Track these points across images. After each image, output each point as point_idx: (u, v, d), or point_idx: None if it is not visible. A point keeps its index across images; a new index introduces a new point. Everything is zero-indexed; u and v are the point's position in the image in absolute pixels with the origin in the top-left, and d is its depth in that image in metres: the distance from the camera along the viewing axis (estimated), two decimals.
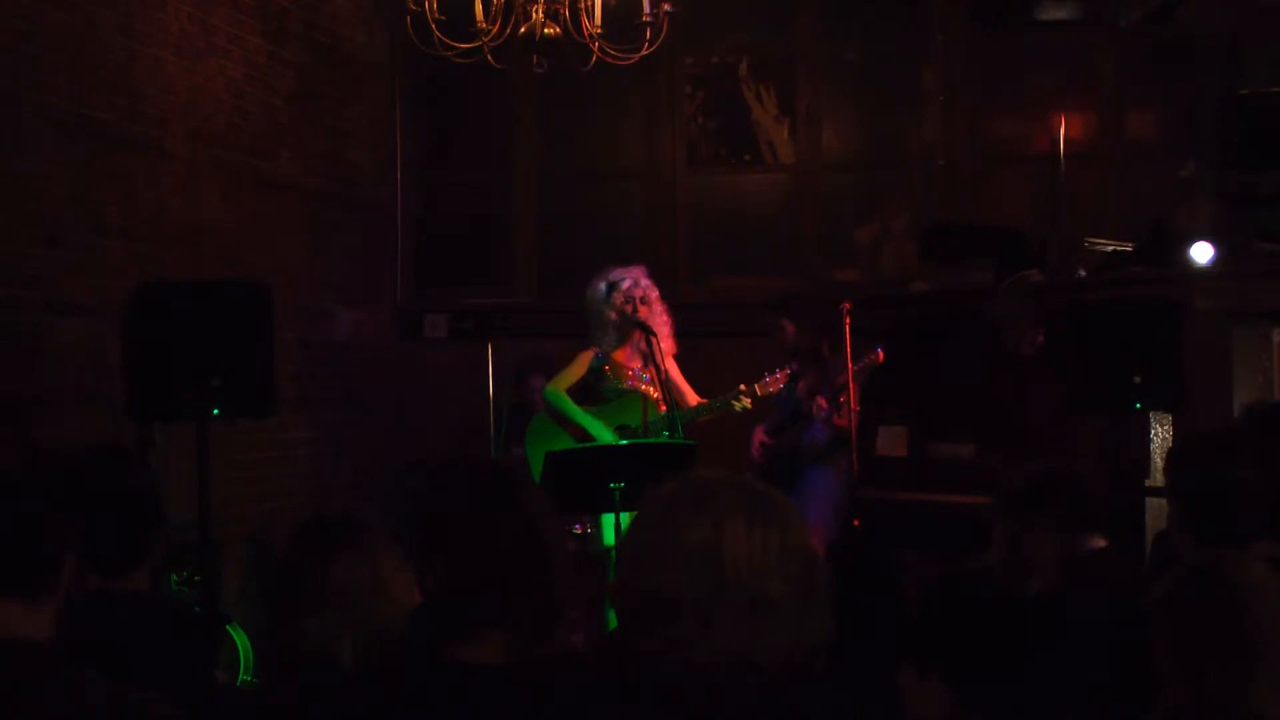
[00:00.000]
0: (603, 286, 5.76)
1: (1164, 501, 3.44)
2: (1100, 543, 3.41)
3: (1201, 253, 5.86)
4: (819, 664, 1.73)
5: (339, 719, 2.16)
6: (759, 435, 6.15)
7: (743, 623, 1.67)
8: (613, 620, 4.10)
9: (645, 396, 5.66)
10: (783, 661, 1.69)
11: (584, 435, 5.64)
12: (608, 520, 5.25)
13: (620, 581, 1.77)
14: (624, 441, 5.48)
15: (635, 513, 1.85)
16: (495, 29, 4.92)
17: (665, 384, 5.45)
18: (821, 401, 5.77)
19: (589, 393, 5.77)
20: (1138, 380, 5.01)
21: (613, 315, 5.71)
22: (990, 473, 4.70)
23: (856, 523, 5.61)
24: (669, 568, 1.70)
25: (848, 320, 5.64)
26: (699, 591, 1.68)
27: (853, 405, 5.70)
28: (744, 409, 5.68)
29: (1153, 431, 5.79)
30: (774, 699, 1.68)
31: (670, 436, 5.38)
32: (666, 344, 5.62)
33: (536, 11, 4.87)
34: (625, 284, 5.70)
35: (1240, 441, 3.09)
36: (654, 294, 5.73)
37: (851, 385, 5.64)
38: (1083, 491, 3.44)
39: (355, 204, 7.47)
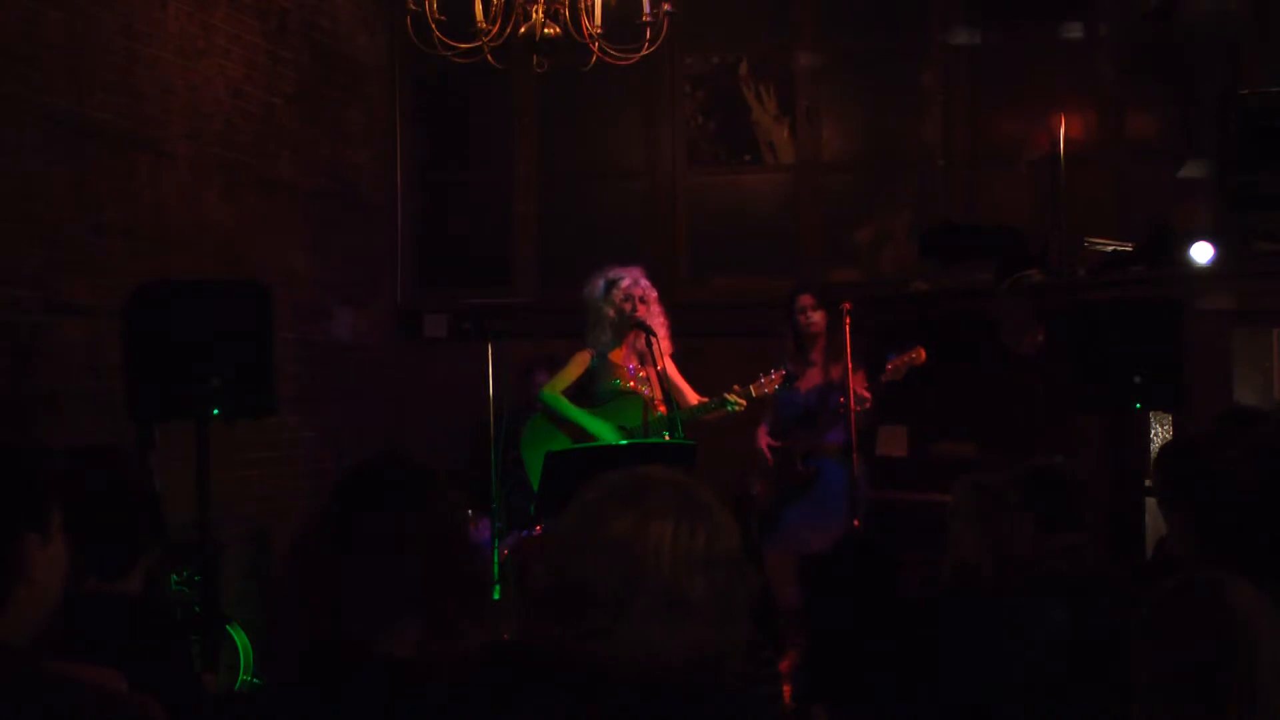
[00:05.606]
0: (601, 284, 5.74)
1: None
2: (1077, 539, 3.39)
3: (1201, 253, 5.85)
4: (729, 669, 1.74)
5: (264, 713, 2.25)
6: (764, 437, 6.15)
7: (655, 619, 1.69)
8: None
9: (643, 396, 5.65)
10: (691, 662, 1.70)
11: (581, 435, 5.63)
12: None
13: (544, 567, 1.79)
14: (624, 441, 5.47)
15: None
16: (495, 29, 4.92)
17: (664, 384, 5.44)
18: (864, 392, 5.77)
19: (585, 394, 5.75)
20: (1138, 380, 5.01)
21: (611, 313, 5.68)
22: None
23: (856, 523, 5.62)
24: (589, 557, 1.72)
25: (848, 320, 5.65)
26: (614, 583, 1.70)
27: (863, 403, 5.74)
28: (737, 409, 5.67)
29: (1153, 431, 5.78)
30: (677, 698, 1.69)
31: (670, 436, 5.37)
32: (665, 344, 5.61)
33: (536, 11, 4.87)
34: (625, 282, 5.68)
35: (1234, 442, 3.06)
36: (652, 294, 5.72)
37: (888, 378, 5.76)
38: (1064, 486, 3.43)
39: (355, 204, 7.47)
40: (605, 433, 5.60)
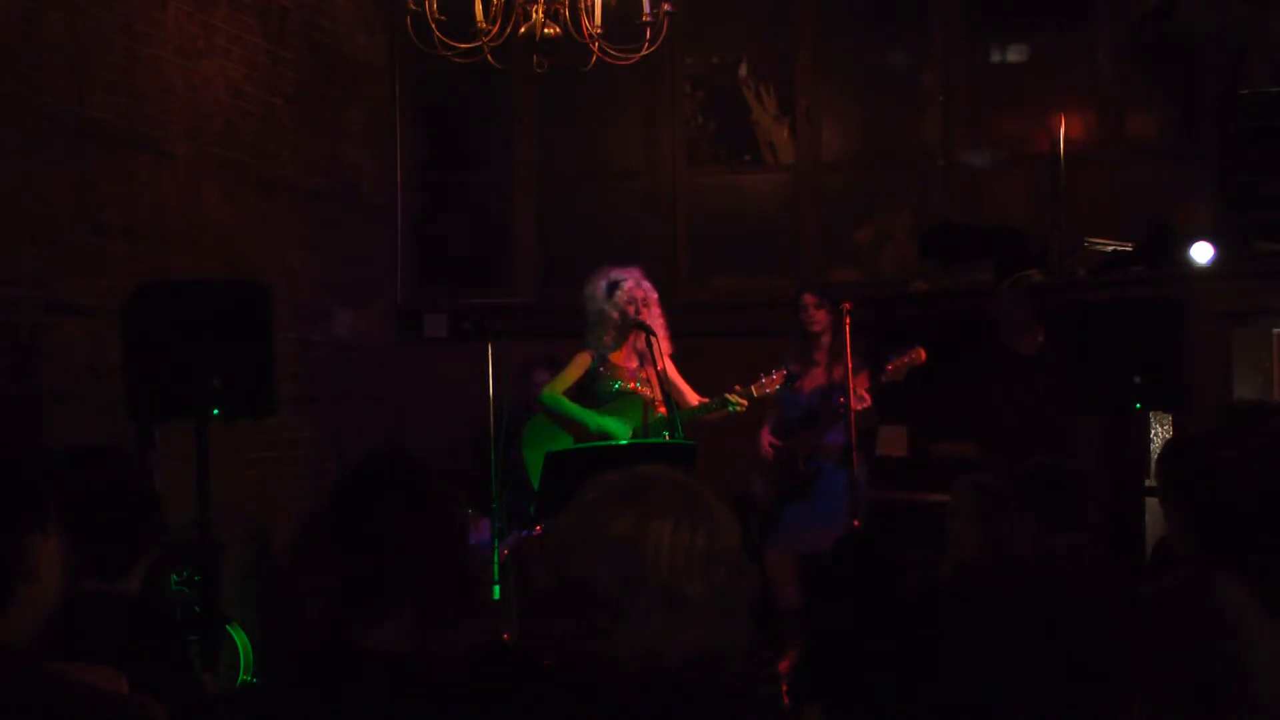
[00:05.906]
0: (603, 286, 5.72)
1: None
2: (1078, 538, 3.39)
3: (1201, 253, 5.85)
4: (729, 668, 1.75)
5: (264, 712, 2.28)
6: (766, 436, 6.16)
7: (655, 618, 1.70)
8: None
9: (643, 397, 5.65)
10: (691, 661, 1.71)
11: (583, 433, 5.63)
12: None
13: (545, 567, 1.79)
14: (624, 441, 5.47)
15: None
16: (495, 29, 4.92)
17: (664, 384, 5.44)
18: (864, 393, 5.77)
19: (586, 395, 5.74)
20: (1138, 380, 5.01)
21: (615, 315, 5.66)
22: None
23: (856, 523, 5.62)
24: (590, 556, 1.73)
25: (848, 320, 5.65)
26: (615, 582, 1.70)
27: (861, 402, 5.74)
28: (738, 409, 5.67)
29: (1153, 431, 5.79)
30: (677, 698, 1.70)
31: (670, 437, 5.37)
32: (664, 344, 5.60)
33: (536, 11, 4.87)
34: (628, 284, 5.66)
35: (1239, 439, 3.05)
36: (653, 295, 5.71)
37: (888, 378, 5.75)
38: (1065, 485, 3.43)
39: (355, 204, 7.47)
40: (611, 425, 5.59)
